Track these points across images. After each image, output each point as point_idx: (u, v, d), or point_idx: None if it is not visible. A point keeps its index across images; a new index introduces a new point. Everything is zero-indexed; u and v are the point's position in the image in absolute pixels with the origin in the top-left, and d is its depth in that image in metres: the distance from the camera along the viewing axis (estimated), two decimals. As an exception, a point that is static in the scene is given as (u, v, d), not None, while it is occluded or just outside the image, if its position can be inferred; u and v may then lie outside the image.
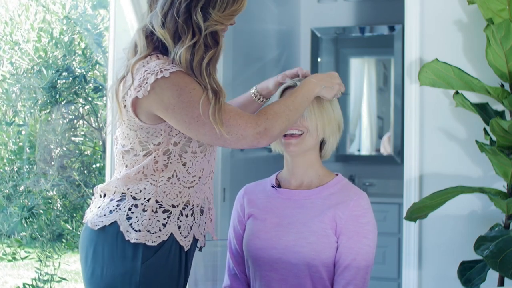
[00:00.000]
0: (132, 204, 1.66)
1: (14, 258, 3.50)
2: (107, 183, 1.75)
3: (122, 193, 1.69)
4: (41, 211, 3.42)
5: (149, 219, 1.64)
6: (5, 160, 3.41)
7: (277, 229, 1.83)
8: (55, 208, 3.48)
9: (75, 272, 3.67)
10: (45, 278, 3.35)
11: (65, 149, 3.54)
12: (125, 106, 1.68)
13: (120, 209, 1.67)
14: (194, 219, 1.72)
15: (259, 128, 1.62)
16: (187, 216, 1.70)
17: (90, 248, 1.68)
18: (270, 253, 1.81)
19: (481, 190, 2.41)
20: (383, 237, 2.25)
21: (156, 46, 1.69)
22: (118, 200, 1.68)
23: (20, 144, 3.43)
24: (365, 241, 1.78)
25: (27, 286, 3.35)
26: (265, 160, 3.77)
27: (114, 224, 1.65)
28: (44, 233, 3.43)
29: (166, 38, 1.65)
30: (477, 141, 2.36)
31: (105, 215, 1.68)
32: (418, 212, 2.46)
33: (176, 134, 1.68)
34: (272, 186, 1.92)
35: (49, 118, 3.46)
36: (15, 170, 3.40)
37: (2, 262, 3.51)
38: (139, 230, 1.62)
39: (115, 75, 1.76)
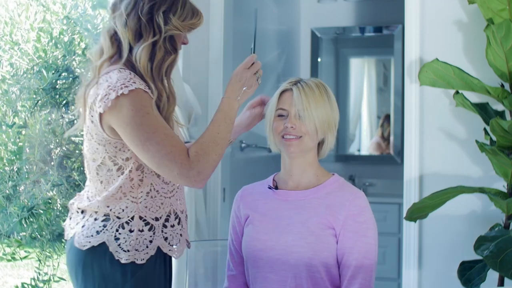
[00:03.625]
0: (119, 225, 1.71)
1: (14, 258, 3.49)
2: (87, 204, 1.77)
3: (105, 214, 1.73)
4: (41, 211, 3.41)
5: (136, 238, 1.70)
6: (5, 161, 3.41)
7: (275, 231, 1.83)
8: (55, 208, 3.48)
9: (75, 272, 3.67)
10: (45, 278, 3.35)
11: (65, 149, 3.54)
12: (92, 121, 1.71)
13: (107, 230, 1.71)
14: (182, 227, 1.79)
15: (192, 171, 1.65)
16: (173, 226, 1.76)
17: (79, 267, 1.74)
18: (269, 254, 1.81)
19: (481, 190, 2.41)
20: (383, 237, 2.24)
21: (119, 46, 1.74)
22: (103, 221, 1.72)
23: (20, 144, 3.42)
24: (365, 239, 1.78)
25: (26, 286, 3.35)
26: (265, 160, 3.77)
27: (103, 244, 1.70)
28: (43, 233, 3.43)
29: (128, 37, 1.72)
30: (477, 141, 2.36)
31: (92, 235, 1.72)
32: (418, 212, 2.46)
33: None
34: (269, 188, 1.91)
35: (49, 118, 3.46)
36: (15, 170, 3.40)
37: (2, 262, 3.51)
38: (128, 250, 1.69)
39: (83, 82, 1.80)
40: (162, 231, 1.74)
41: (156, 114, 1.67)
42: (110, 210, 1.72)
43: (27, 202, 3.41)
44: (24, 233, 3.42)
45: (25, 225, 3.40)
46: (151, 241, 1.72)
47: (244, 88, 1.75)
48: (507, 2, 2.30)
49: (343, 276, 1.79)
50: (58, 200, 3.49)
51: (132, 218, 1.71)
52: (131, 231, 1.70)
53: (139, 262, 1.69)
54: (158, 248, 1.73)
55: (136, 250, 1.70)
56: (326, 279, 1.78)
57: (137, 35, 1.71)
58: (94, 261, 1.71)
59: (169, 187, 1.77)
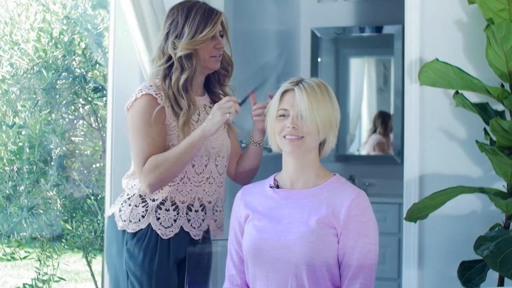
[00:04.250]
0: (124, 200, 2.12)
1: (14, 258, 3.50)
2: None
3: (123, 189, 2.16)
4: (41, 211, 3.42)
5: (131, 211, 2.08)
6: (5, 161, 3.41)
7: (276, 230, 1.83)
8: (55, 208, 3.48)
9: (75, 272, 3.67)
10: (44, 278, 3.35)
11: (65, 149, 3.54)
12: None
13: (118, 202, 2.15)
14: (178, 214, 2.09)
15: (141, 178, 2.03)
16: (167, 210, 2.08)
17: (106, 232, 2.20)
18: (270, 253, 1.81)
19: (481, 190, 2.41)
20: (383, 237, 2.24)
21: None
22: (121, 196, 2.16)
23: (20, 144, 3.43)
24: (366, 239, 1.78)
25: (27, 286, 3.35)
26: (265, 160, 3.78)
27: (113, 214, 2.13)
28: (44, 233, 3.43)
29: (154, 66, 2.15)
30: (477, 141, 2.37)
31: (110, 207, 2.19)
32: (418, 212, 2.46)
33: None
34: (271, 187, 1.91)
35: (49, 118, 3.46)
36: (15, 170, 3.40)
37: (2, 262, 3.51)
38: (124, 220, 2.08)
39: None
40: (156, 212, 2.07)
41: (152, 121, 2.02)
42: (126, 184, 2.14)
43: (27, 202, 3.41)
44: (24, 233, 3.42)
45: (25, 225, 3.40)
46: (143, 216, 2.07)
47: (210, 117, 2.00)
48: (507, 2, 2.30)
49: (343, 276, 1.79)
50: (58, 200, 3.49)
51: (134, 194, 2.09)
52: (129, 205, 2.09)
53: (129, 231, 2.06)
54: (151, 226, 2.06)
55: (130, 221, 2.07)
56: (327, 279, 1.79)
57: (156, 63, 2.12)
58: (109, 228, 2.14)
59: (178, 179, 2.08)
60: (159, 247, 2.07)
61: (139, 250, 2.06)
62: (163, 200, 2.08)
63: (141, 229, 2.06)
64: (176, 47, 2.05)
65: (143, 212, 2.07)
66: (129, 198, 2.11)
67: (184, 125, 2.04)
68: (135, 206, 2.08)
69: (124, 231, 2.08)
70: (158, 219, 2.07)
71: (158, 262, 2.06)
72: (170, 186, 2.07)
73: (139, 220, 2.07)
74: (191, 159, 2.04)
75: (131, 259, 2.07)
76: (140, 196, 2.09)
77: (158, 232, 2.06)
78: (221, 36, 2.13)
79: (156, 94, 2.04)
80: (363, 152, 4.50)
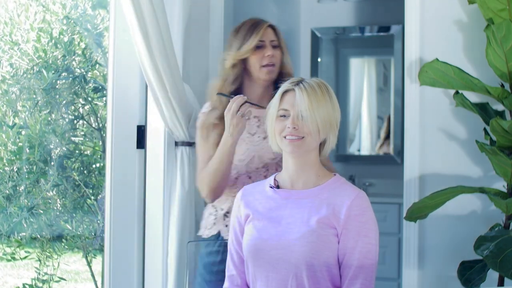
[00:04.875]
0: (205, 208, 2.37)
1: (14, 258, 3.50)
2: None
3: None
4: (41, 211, 3.42)
5: (206, 219, 2.33)
6: (5, 161, 3.41)
7: (277, 230, 1.83)
8: (55, 208, 3.48)
9: (75, 272, 3.67)
10: (44, 278, 3.35)
11: (65, 149, 3.54)
12: None
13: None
14: (216, 217, 2.27)
15: (199, 188, 2.26)
16: (210, 214, 2.30)
17: None
18: (270, 253, 1.81)
19: (481, 190, 2.41)
20: (383, 237, 2.24)
21: None
22: None
23: (20, 144, 3.43)
24: (366, 240, 1.78)
25: (27, 286, 3.35)
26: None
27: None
28: (44, 233, 3.43)
29: None
30: (477, 141, 2.37)
31: None
32: (418, 212, 2.46)
33: None
34: (271, 187, 1.91)
35: (49, 118, 3.46)
36: (15, 170, 3.40)
37: (2, 262, 3.51)
38: (202, 227, 2.34)
39: None
40: (223, 219, 2.24)
41: (206, 135, 2.23)
42: None
43: (27, 202, 3.41)
44: (24, 233, 3.42)
45: (25, 225, 3.40)
46: (214, 224, 2.26)
47: (229, 127, 2.10)
48: (507, 2, 2.31)
49: (344, 276, 1.79)
50: (58, 200, 3.50)
51: (208, 204, 2.31)
52: (206, 213, 2.31)
53: (204, 236, 2.28)
54: (225, 235, 2.23)
55: (206, 227, 2.29)
56: (327, 279, 1.79)
57: None
58: None
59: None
60: (223, 250, 2.19)
61: (206, 253, 2.25)
62: (228, 209, 2.23)
63: (212, 235, 2.25)
64: (226, 59, 2.24)
65: (214, 219, 2.27)
66: (206, 207, 2.35)
67: (213, 126, 2.21)
68: (209, 214, 2.30)
69: (202, 236, 2.30)
70: (226, 226, 2.24)
71: (219, 263, 2.19)
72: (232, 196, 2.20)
73: (211, 227, 2.27)
74: (230, 165, 2.17)
75: (201, 262, 2.26)
76: (212, 205, 2.30)
77: (200, 231, 2.30)
78: (275, 46, 2.23)
79: (211, 111, 2.25)
80: (368, 152, 4.50)
